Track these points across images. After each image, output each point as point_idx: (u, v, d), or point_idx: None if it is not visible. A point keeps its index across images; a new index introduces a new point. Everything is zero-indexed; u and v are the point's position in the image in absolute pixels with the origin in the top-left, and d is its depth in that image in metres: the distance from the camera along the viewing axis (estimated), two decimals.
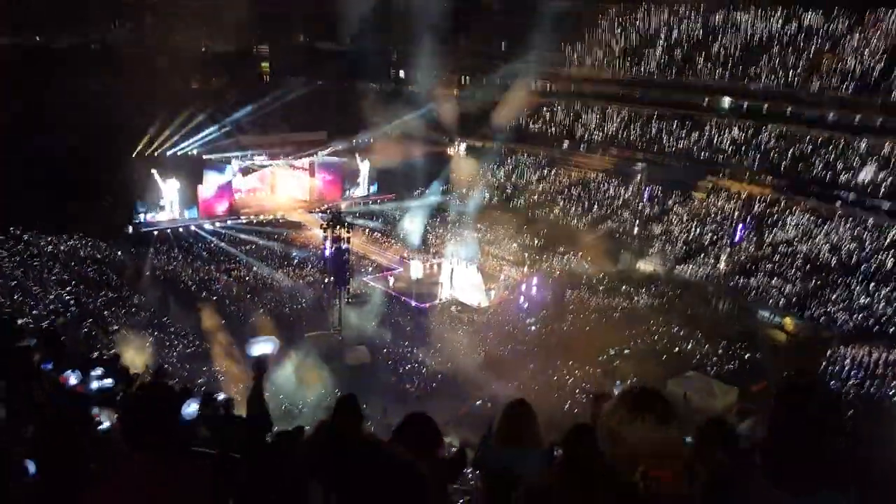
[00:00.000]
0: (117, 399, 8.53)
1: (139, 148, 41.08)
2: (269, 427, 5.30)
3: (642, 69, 48.13)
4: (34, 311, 26.78)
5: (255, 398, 5.03)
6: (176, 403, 6.41)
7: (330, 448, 2.48)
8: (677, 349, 27.94)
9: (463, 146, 51.21)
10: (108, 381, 9.00)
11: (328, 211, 35.89)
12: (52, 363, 8.96)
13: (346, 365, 26.98)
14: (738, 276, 33.81)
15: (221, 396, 10.73)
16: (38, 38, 45.49)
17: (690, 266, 35.90)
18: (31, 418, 4.38)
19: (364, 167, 49.04)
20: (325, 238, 30.40)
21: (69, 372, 8.22)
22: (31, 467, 3.77)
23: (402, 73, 56.88)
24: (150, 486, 2.78)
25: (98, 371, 8.98)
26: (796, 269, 32.98)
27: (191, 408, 6.54)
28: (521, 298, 33.14)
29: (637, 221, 39.80)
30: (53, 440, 3.92)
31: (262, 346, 5.15)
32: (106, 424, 6.69)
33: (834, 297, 30.38)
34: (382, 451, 2.39)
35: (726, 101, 43.43)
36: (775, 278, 32.80)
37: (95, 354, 12.26)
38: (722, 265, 34.74)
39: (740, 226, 35.26)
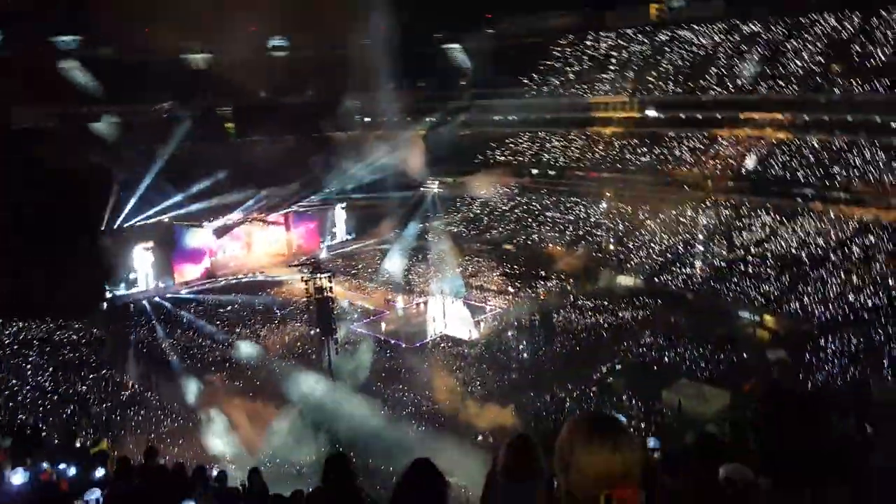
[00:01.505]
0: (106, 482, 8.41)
1: (105, 220, 40.55)
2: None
3: (599, 92, 49.52)
4: (10, 404, 26.17)
5: None
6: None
7: None
8: (666, 359, 28.21)
9: (435, 184, 51.85)
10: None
11: (308, 263, 35.86)
12: (30, 459, 8.85)
13: (341, 420, 26.58)
14: (714, 281, 34.40)
15: (215, 471, 10.67)
16: None
17: (668, 276, 36.49)
18: None
19: (339, 215, 49.33)
20: (307, 290, 30.28)
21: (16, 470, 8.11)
22: None
23: (367, 119, 57.62)
24: None
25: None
26: (768, 267, 33.72)
27: None
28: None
29: (611, 238, 40.42)
30: None
31: None
32: None
33: (808, 290, 31.05)
34: None
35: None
36: (750, 279, 33.47)
37: (78, 444, 11.93)
38: (697, 272, 35.36)
39: None
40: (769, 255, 34.63)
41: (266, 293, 41.22)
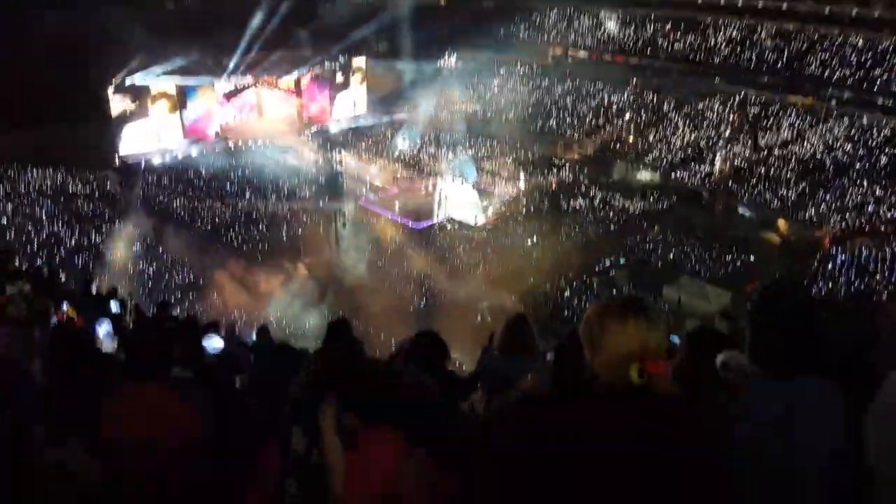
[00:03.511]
0: (120, 329, 8.71)
1: (119, 77, 39.63)
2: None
3: None
4: (28, 250, 26.88)
5: None
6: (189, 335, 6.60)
7: (336, 371, 2.52)
8: (671, 256, 28.25)
9: (454, 58, 49.55)
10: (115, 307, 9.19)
11: (319, 133, 35.11)
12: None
13: (346, 288, 27.30)
14: (732, 181, 33.71)
15: (224, 324, 10.94)
16: None
17: (686, 173, 35.74)
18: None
19: (353, 85, 47.71)
20: (317, 161, 29.98)
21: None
22: None
23: None
24: (153, 409, 2.89)
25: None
26: (790, 170, 32.87)
27: (213, 342, 6.57)
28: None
29: (632, 129, 39.20)
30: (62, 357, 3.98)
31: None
32: (108, 349, 6.83)
33: (828, 197, 30.42)
34: (389, 372, 2.45)
35: None
36: (769, 181, 32.75)
37: (94, 289, 12.36)
38: (717, 171, 34.58)
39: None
40: (793, 157, 33.64)
41: (276, 161, 40.84)
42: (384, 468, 2.24)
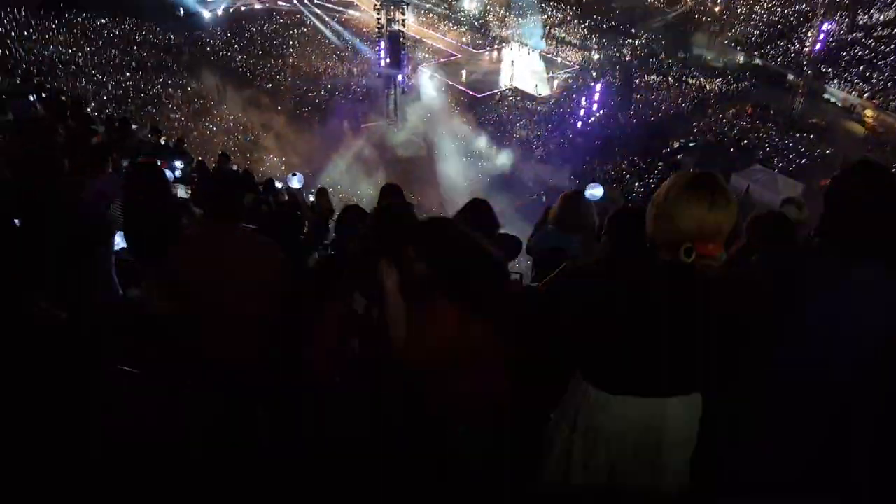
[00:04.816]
0: (189, 176, 9.12)
1: None
2: None
3: None
4: (97, 98, 27.53)
5: None
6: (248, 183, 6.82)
7: (398, 227, 2.52)
8: (745, 141, 26.75)
9: None
10: (178, 163, 9.56)
11: None
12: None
13: (401, 158, 27.11)
14: (821, 64, 30.84)
15: (280, 185, 11.19)
16: None
17: (772, 51, 32.81)
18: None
19: None
20: (379, 20, 28.72)
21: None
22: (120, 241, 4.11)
23: None
24: (229, 250, 3.04)
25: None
26: (887, 54, 29.69)
27: (295, 181, 6.79)
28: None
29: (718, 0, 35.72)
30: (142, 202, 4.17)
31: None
32: (181, 194, 7.21)
33: None
34: (448, 224, 2.42)
35: None
36: (862, 65, 29.79)
37: (163, 140, 12.74)
38: (806, 51, 31.57)
39: None
40: (893, 40, 30.24)
41: (338, 18, 39.50)
42: (441, 335, 2.27)
